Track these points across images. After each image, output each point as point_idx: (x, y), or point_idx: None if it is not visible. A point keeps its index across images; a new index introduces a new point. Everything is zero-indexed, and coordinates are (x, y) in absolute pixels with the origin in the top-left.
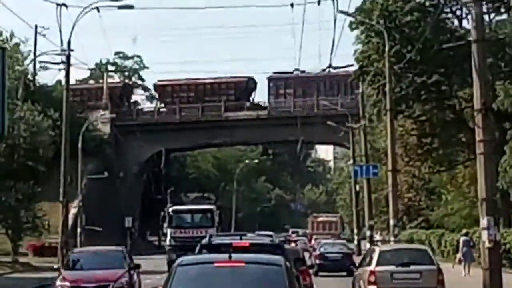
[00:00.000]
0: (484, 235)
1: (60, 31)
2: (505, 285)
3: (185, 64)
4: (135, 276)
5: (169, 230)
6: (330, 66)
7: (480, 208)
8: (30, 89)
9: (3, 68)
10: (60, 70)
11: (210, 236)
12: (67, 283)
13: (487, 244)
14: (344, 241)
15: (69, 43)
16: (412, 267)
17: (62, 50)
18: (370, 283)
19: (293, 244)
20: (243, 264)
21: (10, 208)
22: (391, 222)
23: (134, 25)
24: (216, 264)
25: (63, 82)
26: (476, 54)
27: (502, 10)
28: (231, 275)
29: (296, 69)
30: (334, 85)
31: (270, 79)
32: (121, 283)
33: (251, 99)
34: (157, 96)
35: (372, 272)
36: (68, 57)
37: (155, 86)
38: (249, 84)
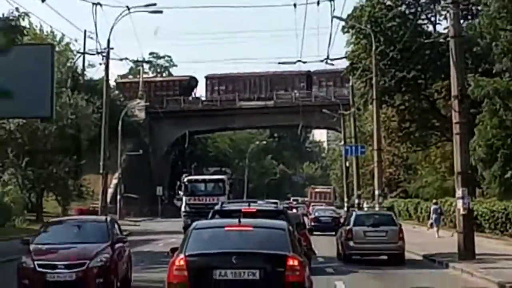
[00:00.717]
0: (459, 203)
1: (96, 33)
2: (484, 248)
3: (210, 63)
4: (123, 252)
5: (184, 198)
6: (327, 58)
7: (456, 180)
8: (79, 81)
9: (52, 61)
10: (100, 64)
11: (222, 203)
12: (30, 260)
13: (461, 211)
14: (333, 208)
15: (108, 41)
16: (380, 227)
17: (104, 48)
18: (348, 238)
19: (294, 210)
20: (251, 228)
21: (59, 178)
22: (376, 192)
23: (165, 28)
24: (226, 228)
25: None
26: (454, 48)
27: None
28: (240, 237)
29: (299, 60)
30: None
31: (207, 78)
32: (101, 260)
33: (193, 94)
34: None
35: (349, 230)
36: (108, 53)
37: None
38: (191, 82)
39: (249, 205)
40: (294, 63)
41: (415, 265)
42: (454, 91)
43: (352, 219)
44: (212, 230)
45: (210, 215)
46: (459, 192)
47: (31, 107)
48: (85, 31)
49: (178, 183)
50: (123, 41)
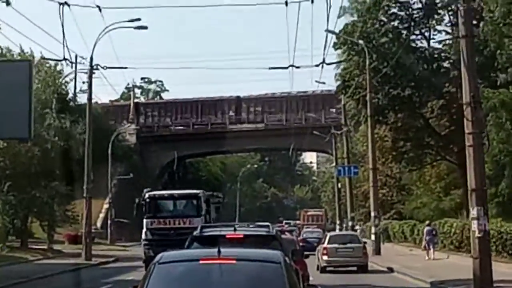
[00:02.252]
0: (474, 224)
1: (64, 35)
2: (495, 272)
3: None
4: None
5: (145, 221)
6: (323, 62)
7: (469, 198)
8: (67, 103)
9: (30, 79)
10: (83, 82)
11: (202, 227)
12: None
13: (477, 234)
14: (320, 230)
15: (91, 59)
16: (348, 245)
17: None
18: (323, 254)
19: (287, 234)
20: (234, 262)
21: (43, 202)
22: (372, 214)
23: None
24: (202, 262)
25: (99, 101)
26: (465, 49)
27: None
28: (220, 275)
29: (291, 65)
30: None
31: (137, 104)
32: None
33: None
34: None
35: (325, 248)
36: (91, 71)
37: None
38: None
39: (234, 230)
40: (287, 68)
41: None
42: (466, 97)
43: (327, 239)
44: (182, 265)
45: (187, 242)
46: (473, 212)
47: (7, 128)
48: (76, 56)
49: (137, 200)
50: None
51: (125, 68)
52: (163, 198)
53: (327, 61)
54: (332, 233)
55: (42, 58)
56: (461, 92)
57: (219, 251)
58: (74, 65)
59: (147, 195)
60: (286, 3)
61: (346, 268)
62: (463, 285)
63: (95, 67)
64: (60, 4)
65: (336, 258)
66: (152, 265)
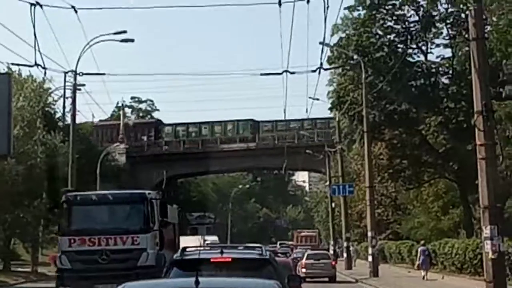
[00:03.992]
0: (487, 245)
1: (35, 37)
2: None
3: (188, 103)
4: None
5: (60, 239)
6: (321, 66)
7: (481, 216)
8: (57, 123)
9: (9, 93)
10: (66, 97)
11: (183, 249)
12: None
13: (490, 255)
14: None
15: (75, 73)
16: (321, 261)
17: (79, 85)
18: (302, 267)
19: (281, 256)
20: None
21: (27, 223)
22: (369, 234)
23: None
24: None
25: (92, 120)
26: (476, 52)
27: None
28: None
29: (285, 71)
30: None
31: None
32: None
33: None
34: None
35: (303, 263)
36: (75, 86)
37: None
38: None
39: (221, 253)
40: (280, 73)
41: None
42: (477, 105)
43: (305, 256)
44: None
45: (165, 269)
46: (486, 231)
47: None
48: (65, 74)
49: (50, 206)
50: (112, 85)
51: (103, 74)
52: (89, 202)
53: (321, 78)
54: (309, 251)
55: (11, 64)
56: (459, 108)
57: (197, 282)
58: (63, 83)
59: (64, 198)
60: (280, 3)
61: (320, 279)
62: None
63: (78, 83)
64: (32, 4)
65: (312, 270)
66: None
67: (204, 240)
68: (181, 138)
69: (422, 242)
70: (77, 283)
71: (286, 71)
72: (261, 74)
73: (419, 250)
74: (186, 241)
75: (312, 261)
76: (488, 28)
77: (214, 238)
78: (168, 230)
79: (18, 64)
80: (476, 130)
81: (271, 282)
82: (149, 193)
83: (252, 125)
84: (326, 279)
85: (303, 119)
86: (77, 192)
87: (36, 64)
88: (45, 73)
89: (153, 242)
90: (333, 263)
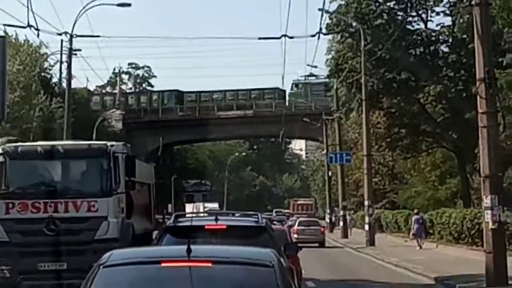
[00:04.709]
0: (488, 215)
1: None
2: (510, 268)
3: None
4: None
5: None
6: (320, 31)
7: (482, 185)
8: (53, 88)
9: (4, 55)
10: (62, 62)
11: (177, 216)
12: None
13: (490, 225)
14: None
15: (70, 36)
16: (311, 227)
17: (75, 50)
18: (294, 233)
19: (277, 224)
20: (210, 265)
21: None
22: (366, 202)
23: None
24: (164, 265)
25: (86, 86)
26: (479, 18)
27: None
28: (188, 285)
29: (284, 35)
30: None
31: None
32: None
33: None
34: None
35: (295, 229)
36: (70, 50)
37: None
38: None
39: (216, 220)
40: (279, 38)
41: None
42: (479, 72)
43: (297, 222)
44: (136, 269)
45: (157, 235)
46: (487, 201)
47: None
48: (61, 41)
49: None
50: (109, 51)
51: (98, 36)
52: (33, 155)
53: (319, 46)
54: (300, 218)
55: (3, 24)
56: (458, 77)
57: (189, 250)
58: (60, 48)
59: (0, 150)
60: None
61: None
62: (473, 282)
63: (74, 48)
64: None
65: (303, 236)
66: (96, 267)
67: (205, 207)
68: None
69: (415, 210)
70: (16, 260)
71: (285, 35)
72: (259, 38)
73: (413, 218)
74: (189, 208)
75: (303, 227)
76: None
77: (215, 205)
78: (141, 193)
79: (10, 25)
80: (478, 97)
81: (267, 251)
82: (111, 145)
83: (177, 95)
84: (316, 244)
85: (230, 90)
86: (20, 142)
87: (29, 25)
88: (38, 34)
89: (116, 208)
90: (322, 229)
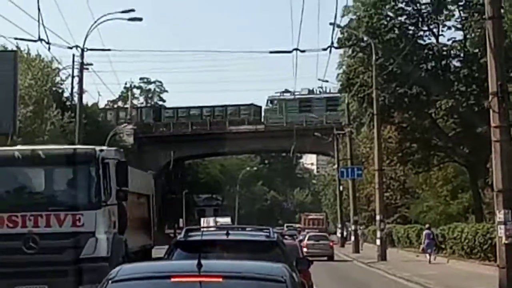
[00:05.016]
0: (501, 229)
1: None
2: None
3: (196, 84)
4: None
5: None
6: (331, 45)
7: (495, 200)
8: (65, 103)
9: (15, 70)
10: (73, 77)
11: (188, 230)
12: None
13: (504, 240)
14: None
15: (82, 51)
16: (320, 242)
17: (87, 64)
18: (304, 246)
19: (288, 239)
20: (220, 280)
21: None
22: (377, 217)
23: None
24: (173, 280)
25: (99, 104)
26: (491, 32)
27: None
28: None
29: (295, 49)
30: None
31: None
32: None
33: None
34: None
35: (305, 243)
36: (82, 64)
37: None
38: None
39: (227, 234)
40: (291, 52)
41: None
42: (492, 86)
43: (307, 237)
44: (147, 284)
45: (167, 250)
46: (500, 216)
47: None
48: (73, 56)
49: None
50: (118, 66)
51: (109, 50)
52: (10, 161)
53: (331, 61)
54: (310, 233)
55: (15, 38)
56: (470, 92)
57: (199, 264)
58: (72, 64)
59: None
60: None
61: (319, 258)
62: None
63: (85, 63)
64: None
65: (312, 250)
66: (105, 282)
67: (216, 222)
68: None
69: (427, 225)
70: None
71: (296, 49)
72: (271, 52)
73: (424, 233)
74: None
75: (312, 241)
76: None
77: (227, 219)
78: (137, 205)
79: (21, 39)
80: (491, 111)
81: (279, 266)
82: (101, 150)
83: (154, 111)
84: (325, 258)
85: (207, 106)
86: None
87: (40, 39)
88: (49, 48)
89: (106, 222)
90: (331, 244)
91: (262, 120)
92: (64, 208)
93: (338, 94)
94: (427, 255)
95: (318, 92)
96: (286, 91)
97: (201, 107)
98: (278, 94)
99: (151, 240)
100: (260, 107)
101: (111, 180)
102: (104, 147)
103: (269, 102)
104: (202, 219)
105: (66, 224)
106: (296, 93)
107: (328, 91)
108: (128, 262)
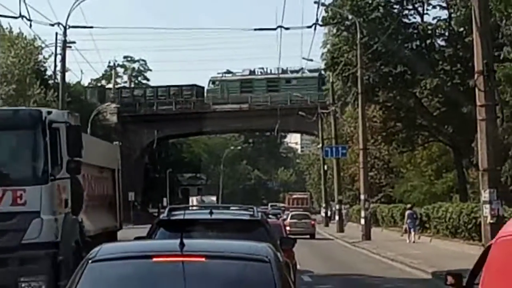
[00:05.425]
0: (486, 209)
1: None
2: None
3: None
4: None
5: None
6: (316, 23)
7: (480, 179)
8: (47, 81)
9: None
10: (56, 55)
11: (171, 209)
12: None
13: (489, 219)
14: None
15: (65, 29)
16: (302, 220)
17: (69, 42)
18: (286, 225)
19: (272, 218)
20: (203, 259)
21: None
22: (362, 196)
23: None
24: (155, 259)
25: (82, 82)
26: (477, 10)
27: None
28: (181, 280)
29: (280, 26)
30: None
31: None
32: None
33: None
34: None
35: (287, 222)
36: (64, 42)
37: None
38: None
39: (211, 213)
40: (275, 29)
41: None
42: (478, 65)
43: (289, 216)
44: (126, 264)
45: (149, 229)
46: (485, 195)
47: None
48: (56, 34)
49: None
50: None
51: (91, 27)
52: None
53: (315, 40)
54: (293, 212)
55: None
56: (455, 71)
57: (182, 244)
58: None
59: None
60: None
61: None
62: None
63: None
64: None
65: (295, 228)
66: (84, 262)
67: (203, 201)
68: None
69: (409, 205)
70: None
71: (281, 26)
72: (255, 29)
73: (406, 213)
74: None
75: (295, 220)
76: None
77: (213, 198)
78: (98, 181)
79: (2, 16)
80: (477, 90)
81: (263, 245)
82: (48, 112)
83: (100, 91)
84: (307, 236)
85: (150, 87)
86: None
87: (21, 16)
88: (30, 25)
89: (55, 199)
90: (313, 223)
91: (205, 101)
92: (1, 183)
93: (277, 76)
94: (408, 235)
95: (259, 73)
96: (228, 71)
97: (144, 88)
98: (220, 75)
99: (116, 221)
100: (203, 87)
101: (62, 149)
102: (53, 110)
103: (211, 83)
104: (190, 198)
105: (4, 202)
106: (237, 74)
107: (269, 72)
108: (85, 247)
